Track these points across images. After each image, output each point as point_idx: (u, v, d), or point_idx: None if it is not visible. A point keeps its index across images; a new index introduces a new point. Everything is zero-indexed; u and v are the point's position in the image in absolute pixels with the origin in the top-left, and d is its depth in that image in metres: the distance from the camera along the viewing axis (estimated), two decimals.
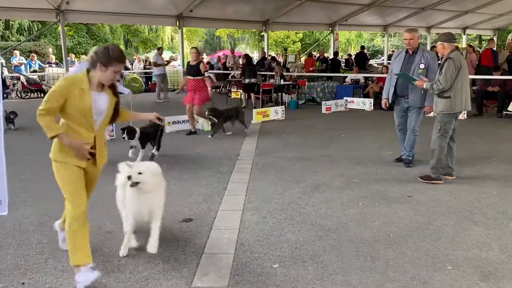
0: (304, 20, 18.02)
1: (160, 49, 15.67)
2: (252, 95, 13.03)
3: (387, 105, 6.13)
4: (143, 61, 21.34)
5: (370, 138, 7.89)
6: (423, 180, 5.28)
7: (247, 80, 12.96)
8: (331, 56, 18.15)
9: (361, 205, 4.58)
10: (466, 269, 3.16)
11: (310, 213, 4.33)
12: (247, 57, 14.37)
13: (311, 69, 17.29)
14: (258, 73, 15.29)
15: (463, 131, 8.43)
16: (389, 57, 21.10)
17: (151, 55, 18.19)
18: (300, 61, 20.70)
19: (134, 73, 19.16)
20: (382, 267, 3.22)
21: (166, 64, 15.48)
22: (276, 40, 31.62)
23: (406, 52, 5.89)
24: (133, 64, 20.92)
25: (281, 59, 20.67)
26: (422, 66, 5.71)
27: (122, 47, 31.01)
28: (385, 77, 6.56)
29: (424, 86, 5.33)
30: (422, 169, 5.77)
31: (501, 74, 10.90)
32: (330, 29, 19.24)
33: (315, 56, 20.16)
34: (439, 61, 5.42)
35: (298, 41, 33.06)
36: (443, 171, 5.30)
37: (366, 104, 12.13)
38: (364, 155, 6.71)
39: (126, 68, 19.39)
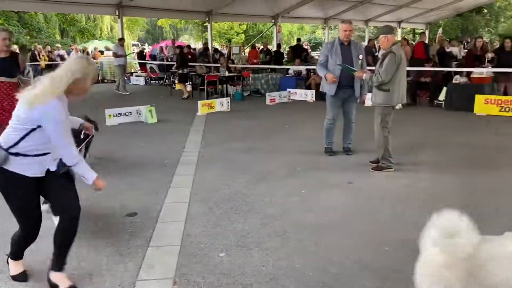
0: (248, 12, 18.07)
1: (121, 40, 15.12)
2: (186, 85, 13.42)
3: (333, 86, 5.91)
4: (80, 52, 20.42)
5: (313, 128, 8.10)
6: (375, 170, 5.43)
7: (179, 71, 13.43)
8: (275, 48, 18.35)
9: (304, 192, 4.72)
10: (402, 250, 3.37)
11: (255, 202, 4.40)
12: (180, 48, 14.96)
13: (255, 61, 17.40)
14: (201, 64, 15.30)
15: (399, 120, 8.86)
16: None
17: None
18: (244, 53, 20.73)
19: None
20: (324, 251, 3.36)
21: (128, 55, 15.14)
22: (220, 31, 31.44)
23: (342, 43, 6.01)
24: (70, 55, 19.98)
25: (225, 51, 20.60)
26: (361, 57, 5.99)
27: (58, 37, 29.55)
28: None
29: (364, 77, 5.54)
30: (361, 156, 6.03)
31: (432, 66, 11.58)
32: (273, 21, 19.43)
33: (258, 48, 20.29)
34: (377, 54, 5.62)
35: (242, 33, 33.06)
36: (392, 160, 5.45)
37: (308, 95, 12.43)
38: (307, 144, 6.89)
39: (63, 59, 18.50)
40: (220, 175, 5.37)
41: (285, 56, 18.37)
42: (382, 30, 5.54)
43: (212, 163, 5.95)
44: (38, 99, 2.54)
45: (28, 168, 2.66)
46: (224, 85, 13.48)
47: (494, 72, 10.14)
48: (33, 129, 2.58)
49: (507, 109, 9.17)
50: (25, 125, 2.58)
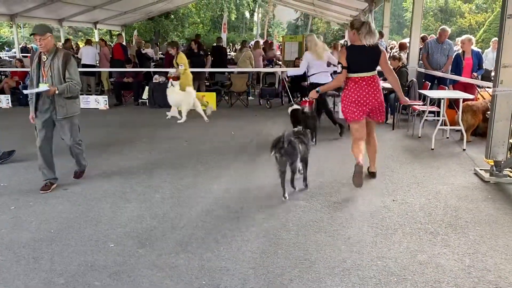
0: None
1: None
2: None
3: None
4: None
5: (13, 137, 7.23)
6: (43, 191, 4.74)
7: None
8: None
9: (14, 208, 4.26)
10: (126, 242, 3.53)
11: None
12: None
13: None
14: None
15: (107, 121, 9.01)
16: (22, 50, 19.62)
17: None
18: None
19: None
20: (47, 264, 3.17)
21: None
22: None
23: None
24: None
25: None
26: None
27: None
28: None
29: (59, 91, 4.61)
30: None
31: (133, 67, 12.14)
32: None
33: None
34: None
35: None
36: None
37: (3, 101, 11.02)
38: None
39: None
40: None
41: None
42: (42, 28, 4.64)
43: None
44: None
45: None
46: None
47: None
48: None
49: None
50: None
